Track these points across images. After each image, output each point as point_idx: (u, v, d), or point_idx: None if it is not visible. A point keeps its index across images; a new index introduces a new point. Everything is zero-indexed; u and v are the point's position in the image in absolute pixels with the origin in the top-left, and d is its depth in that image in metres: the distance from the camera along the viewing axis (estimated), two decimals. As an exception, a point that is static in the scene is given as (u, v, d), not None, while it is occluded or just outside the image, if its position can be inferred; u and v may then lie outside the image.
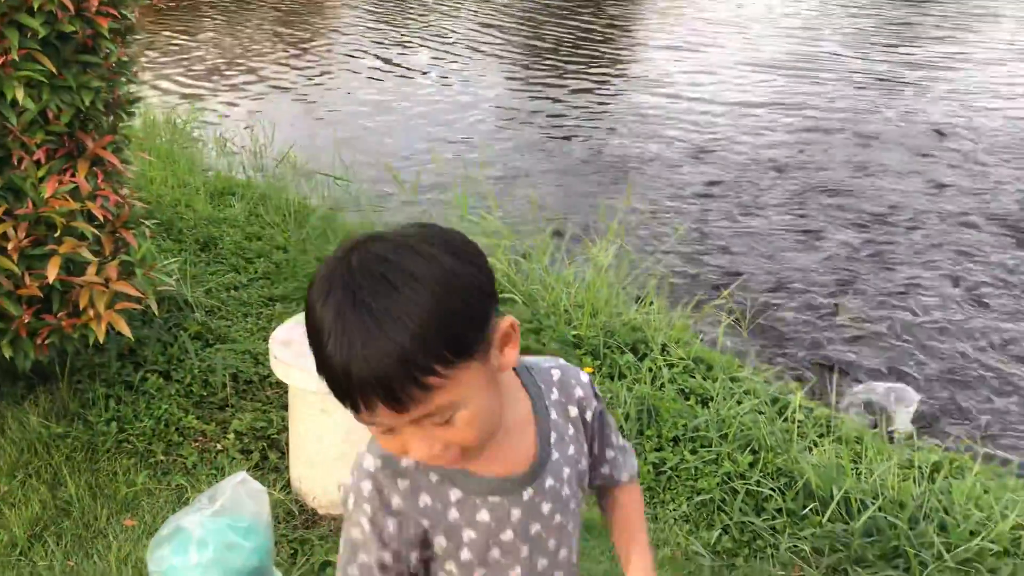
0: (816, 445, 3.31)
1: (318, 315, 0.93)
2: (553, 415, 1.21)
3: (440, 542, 1.15)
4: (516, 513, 1.16)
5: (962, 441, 3.83)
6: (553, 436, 1.19)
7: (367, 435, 1.08)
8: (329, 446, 2.58)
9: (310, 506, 2.74)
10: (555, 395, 1.22)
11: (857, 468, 3.15)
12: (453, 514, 1.14)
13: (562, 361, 1.28)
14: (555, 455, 1.19)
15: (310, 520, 2.71)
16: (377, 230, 1.01)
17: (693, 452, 3.13)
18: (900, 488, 2.98)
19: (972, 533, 2.81)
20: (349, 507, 1.13)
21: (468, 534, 1.14)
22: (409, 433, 0.98)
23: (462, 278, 0.96)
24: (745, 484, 2.98)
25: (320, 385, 0.97)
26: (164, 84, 8.85)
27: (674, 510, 2.94)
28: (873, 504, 2.84)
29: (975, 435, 3.98)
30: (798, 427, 3.33)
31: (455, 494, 1.13)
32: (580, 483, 1.25)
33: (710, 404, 3.41)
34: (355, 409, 0.95)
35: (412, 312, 0.91)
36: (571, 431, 1.23)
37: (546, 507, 1.18)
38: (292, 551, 2.56)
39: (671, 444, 3.19)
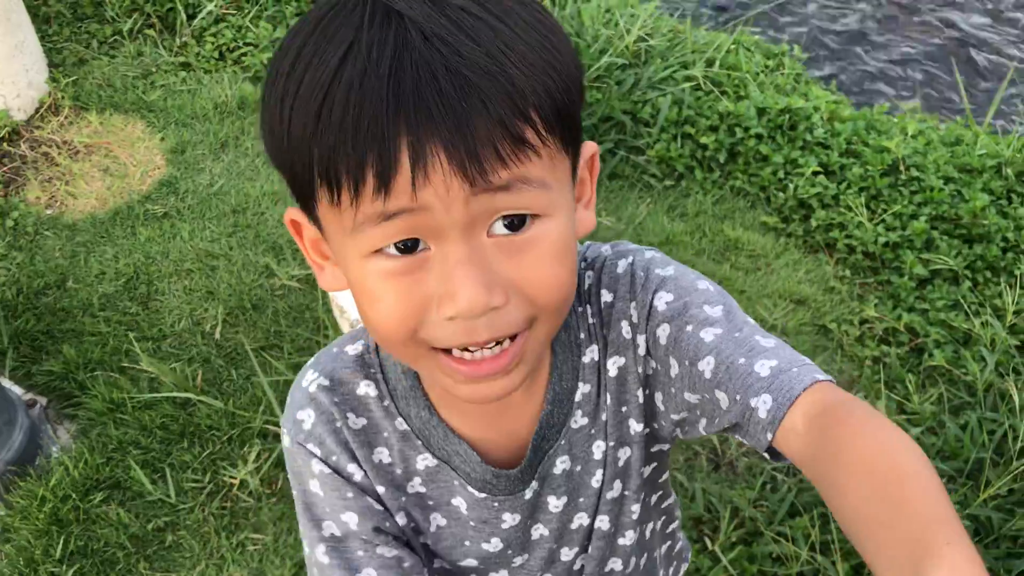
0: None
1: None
2: (589, 355, 0.78)
3: (399, 520, 0.80)
4: (510, 519, 0.80)
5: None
6: (583, 390, 0.78)
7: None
8: None
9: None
10: (589, 313, 0.79)
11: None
12: (416, 487, 0.79)
13: (601, 246, 0.81)
14: (578, 420, 0.78)
15: None
16: None
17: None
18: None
19: (602, 52, 3.25)
20: (289, 449, 0.76)
21: (437, 520, 0.81)
22: (453, 252, 0.60)
23: (563, 32, 0.66)
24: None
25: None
26: None
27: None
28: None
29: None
30: None
31: (424, 460, 0.77)
32: (638, 459, 0.82)
33: None
34: (382, 175, 0.58)
35: (516, 44, 0.60)
36: (614, 372, 0.77)
37: (555, 503, 0.80)
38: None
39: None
